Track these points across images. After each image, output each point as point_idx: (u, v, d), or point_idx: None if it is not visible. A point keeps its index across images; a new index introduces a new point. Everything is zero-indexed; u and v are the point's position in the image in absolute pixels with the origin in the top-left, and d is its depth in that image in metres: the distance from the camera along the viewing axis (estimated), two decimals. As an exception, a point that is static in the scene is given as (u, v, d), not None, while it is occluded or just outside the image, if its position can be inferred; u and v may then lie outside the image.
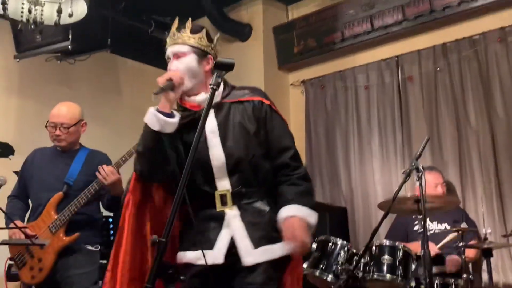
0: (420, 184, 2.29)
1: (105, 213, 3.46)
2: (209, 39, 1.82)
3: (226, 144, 1.73)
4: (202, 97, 1.77)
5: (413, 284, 2.50)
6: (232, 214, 1.69)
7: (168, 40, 1.82)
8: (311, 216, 1.71)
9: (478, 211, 3.41)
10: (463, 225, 2.84)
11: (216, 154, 1.72)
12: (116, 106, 4.92)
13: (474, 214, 3.44)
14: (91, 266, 2.72)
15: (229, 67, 1.52)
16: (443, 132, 3.76)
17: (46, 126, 2.80)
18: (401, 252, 2.59)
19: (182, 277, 1.70)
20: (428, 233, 2.46)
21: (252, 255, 1.65)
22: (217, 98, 1.74)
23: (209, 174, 1.72)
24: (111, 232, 3.55)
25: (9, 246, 2.71)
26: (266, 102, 1.79)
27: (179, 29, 1.80)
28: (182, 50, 1.76)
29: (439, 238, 2.96)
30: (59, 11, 2.65)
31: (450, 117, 3.74)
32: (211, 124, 1.74)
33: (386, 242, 2.69)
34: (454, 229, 2.77)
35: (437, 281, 2.60)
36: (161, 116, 1.67)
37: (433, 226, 3.13)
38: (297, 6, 4.80)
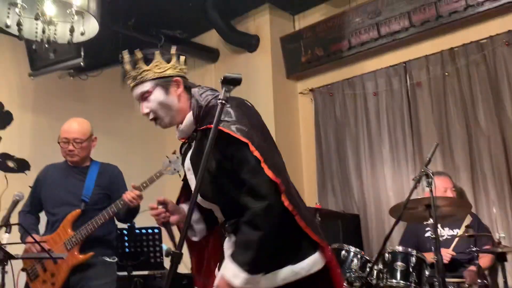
0: (430, 190, 2.30)
1: (120, 225, 3.52)
2: (166, 59, 1.65)
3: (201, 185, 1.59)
4: (177, 132, 1.68)
5: (427, 290, 2.50)
6: (229, 245, 1.61)
7: (128, 82, 1.66)
8: (236, 277, 1.44)
9: (491, 216, 3.39)
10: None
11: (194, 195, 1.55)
12: (127, 119, 5.00)
13: (487, 219, 3.42)
14: (110, 276, 2.77)
15: (236, 82, 1.47)
16: (453, 137, 3.75)
17: (58, 142, 2.86)
18: (414, 259, 2.59)
19: None
20: (440, 239, 2.46)
21: None
22: (192, 127, 1.63)
23: (200, 207, 1.70)
24: (126, 244, 3.59)
25: (23, 259, 2.76)
26: (226, 131, 1.50)
27: (133, 64, 1.64)
28: (145, 88, 1.62)
29: (451, 243, 2.95)
30: (72, 30, 2.72)
31: (460, 121, 3.73)
32: (187, 161, 1.65)
33: (399, 249, 2.69)
34: (466, 234, 2.76)
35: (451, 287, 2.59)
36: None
37: (445, 232, 3.11)
38: (304, 16, 4.85)
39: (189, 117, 1.64)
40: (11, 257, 2.36)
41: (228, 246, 1.61)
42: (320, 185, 4.46)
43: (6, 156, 4.06)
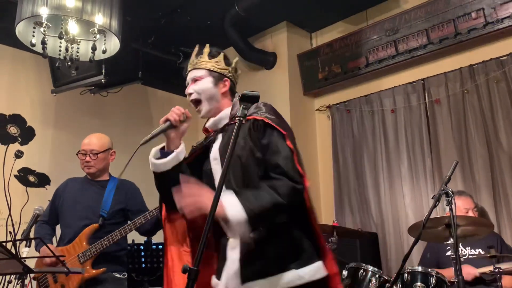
0: (451, 209, 2.26)
1: (136, 240, 3.54)
2: (227, 63, 1.85)
3: (228, 174, 1.62)
4: (209, 122, 1.83)
5: (447, 312, 2.44)
6: (233, 244, 1.62)
7: (188, 67, 1.87)
8: (234, 211, 1.46)
9: (515, 236, 3.30)
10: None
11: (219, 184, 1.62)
12: (145, 135, 5.05)
13: (510, 238, 3.33)
14: None
15: (254, 99, 1.54)
16: (473, 155, 3.69)
17: (77, 154, 2.93)
18: (434, 279, 2.54)
19: None
20: (462, 259, 2.40)
21: None
22: (225, 120, 1.78)
23: None
24: (142, 259, 3.60)
25: (35, 266, 2.79)
26: (259, 118, 1.66)
27: (197, 55, 1.85)
28: (199, 74, 1.80)
29: (473, 263, 2.88)
30: (94, 48, 2.80)
31: (480, 139, 3.67)
32: (214, 151, 1.75)
33: (419, 269, 2.64)
34: (488, 255, 2.69)
35: (473, 309, 2.52)
36: (151, 158, 1.76)
37: (466, 252, 3.04)
38: (321, 33, 4.88)
39: (225, 111, 1.80)
40: (31, 271, 2.39)
41: (233, 246, 1.61)
42: (337, 203, 4.42)
43: (27, 171, 4.14)
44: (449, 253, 2.91)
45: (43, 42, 2.69)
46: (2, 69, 4.21)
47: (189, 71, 1.84)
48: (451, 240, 2.40)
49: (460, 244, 2.94)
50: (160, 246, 3.61)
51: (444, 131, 3.89)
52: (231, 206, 1.48)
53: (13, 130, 4.15)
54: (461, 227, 2.61)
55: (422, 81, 4.06)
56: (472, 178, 3.66)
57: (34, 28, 2.74)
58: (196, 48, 1.87)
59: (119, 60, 3.40)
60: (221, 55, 1.85)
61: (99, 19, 2.78)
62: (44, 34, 2.70)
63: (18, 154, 4.11)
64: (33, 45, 2.80)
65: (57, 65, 3.08)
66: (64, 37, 2.77)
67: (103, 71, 3.70)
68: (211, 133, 1.86)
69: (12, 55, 4.23)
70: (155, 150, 1.79)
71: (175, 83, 5.24)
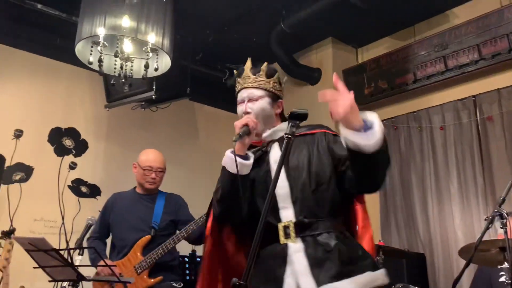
0: (505, 232, 2.17)
1: (182, 252, 3.61)
2: (280, 83, 1.86)
3: (289, 172, 1.69)
4: (267, 133, 1.81)
5: None
6: (295, 248, 1.60)
7: (240, 81, 1.84)
8: (372, 117, 1.51)
9: None
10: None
11: (280, 182, 1.65)
12: (192, 148, 5.18)
13: None
14: None
15: (302, 117, 1.54)
16: (530, 175, 3.52)
17: (138, 166, 3.03)
18: (487, 305, 2.42)
19: None
20: (517, 285, 2.29)
21: None
22: (281, 132, 1.72)
23: (273, 204, 1.66)
24: (187, 272, 3.67)
25: (93, 281, 2.90)
26: (331, 132, 1.77)
27: (253, 71, 1.83)
28: (258, 94, 1.79)
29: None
30: (147, 66, 2.92)
31: (537, 158, 3.51)
32: (276, 155, 1.75)
33: (470, 293, 2.53)
34: (547, 281, 2.54)
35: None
36: (239, 158, 1.66)
37: (522, 277, 2.89)
38: (367, 49, 4.84)
39: (284, 124, 1.79)
40: (83, 278, 2.49)
41: (297, 249, 1.59)
42: (383, 221, 4.33)
43: (80, 182, 4.33)
44: (502, 278, 2.78)
45: (100, 60, 2.84)
46: (59, 85, 4.46)
47: (244, 88, 1.82)
48: (506, 265, 2.29)
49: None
50: (204, 259, 3.66)
51: (498, 150, 3.73)
52: (370, 113, 1.52)
53: (68, 142, 4.36)
54: (516, 251, 2.49)
55: (473, 98, 3.93)
56: (528, 199, 3.49)
57: (92, 47, 2.90)
58: (249, 63, 1.85)
59: (169, 76, 3.51)
60: (277, 75, 1.85)
61: (152, 38, 2.91)
62: (100, 53, 2.84)
63: (72, 166, 4.31)
64: (91, 63, 2.96)
65: (112, 82, 3.23)
66: (119, 56, 2.91)
67: (154, 87, 3.84)
68: (260, 145, 1.84)
69: (69, 72, 4.47)
70: (229, 153, 1.71)
71: (221, 98, 5.36)
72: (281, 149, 1.70)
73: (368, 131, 1.49)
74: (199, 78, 4.67)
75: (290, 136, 1.51)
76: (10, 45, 4.19)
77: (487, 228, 2.25)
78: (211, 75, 4.74)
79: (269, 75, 1.83)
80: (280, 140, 1.75)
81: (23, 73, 4.26)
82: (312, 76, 4.82)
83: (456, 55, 3.92)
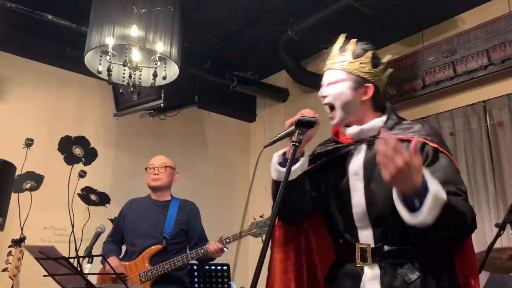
0: (517, 239, 2.14)
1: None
2: (374, 63, 1.56)
3: (370, 188, 1.46)
4: (353, 129, 1.56)
5: None
6: (371, 275, 1.41)
7: (327, 61, 1.63)
8: (433, 181, 1.20)
9: None
10: None
11: (358, 199, 1.47)
12: (201, 156, 5.20)
13: None
14: None
15: (310, 124, 1.48)
16: (541, 181, 3.47)
17: (146, 169, 3.07)
18: (499, 313, 2.38)
19: None
20: (530, 293, 2.25)
21: None
22: (373, 131, 1.53)
23: (350, 221, 1.48)
24: (195, 279, 3.65)
25: (97, 280, 2.90)
26: (431, 144, 1.42)
27: (341, 50, 1.59)
28: (336, 76, 1.56)
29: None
30: (155, 75, 2.94)
31: (549, 164, 3.46)
32: (356, 165, 1.51)
33: (482, 302, 2.49)
34: (561, 290, 2.50)
35: None
36: (276, 165, 1.53)
37: (536, 285, 2.84)
38: (375, 55, 4.83)
39: (377, 121, 1.55)
40: (92, 286, 2.49)
41: (373, 276, 1.40)
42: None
43: (90, 190, 4.36)
44: (516, 285, 2.74)
45: (109, 70, 2.87)
46: (69, 94, 4.51)
47: (328, 69, 1.61)
48: (518, 272, 2.26)
49: (528, 277, 2.75)
50: (213, 267, 3.66)
51: (508, 155, 3.69)
52: (432, 180, 1.22)
53: (77, 151, 4.40)
54: (529, 258, 2.45)
55: (483, 103, 3.90)
56: (540, 206, 3.44)
57: (101, 56, 2.94)
58: (340, 40, 1.61)
59: (177, 84, 3.53)
60: (368, 54, 1.55)
61: (160, 47, 2.93)
62: (109, 62, 2.87)
63: (82, 174, 4.34)
64: (100, 73, 2.99)
65: (120, 90, 3.26)
66: (128, 65, 2.94)
67: (162, 95, 3.87)
68: (349, 142, 1.59)
69: (79, 81, 4.52)
70: (277, 155, 1.56)
71: (229, 106, 5.38)
72: (366, 153, 1.49)
73: (417, 209, 1.22)
74: (207, 86, 4.70)
75: (297, 144, 1.43)
76: (20, 55, 4.26)
77: (498, 235, 2.22)
78: (219, 83, 4.76)
79: (356, 55, 1.56)
80: (371, 142, 1.51)
81: (33, 83, 4.31)
82: (320, 83, 4.80)
83: (465, 60, 3.90)
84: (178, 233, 2.90)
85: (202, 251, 2.75)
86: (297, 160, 1.53)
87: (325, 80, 1.61)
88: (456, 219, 1.27)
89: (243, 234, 2.76)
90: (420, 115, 4.32)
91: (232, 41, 4.51)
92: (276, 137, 1.46)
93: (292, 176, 1.47)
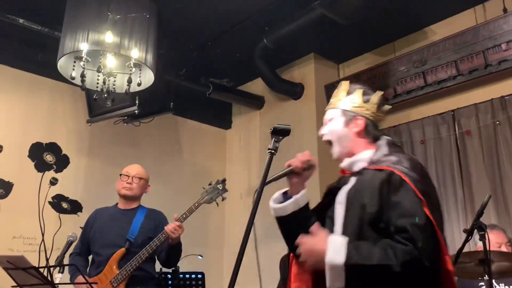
0: (484, 244, 2.21)
1: (164, 269, 3.56)
2: (365, 99, 1.68)
3: (347, 215, 1.53)
4: (344, 162, 1.66)
5: None
6: None
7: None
8: (333, 248, 1.37)
9: (553, 273, 3.16)
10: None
11: (337, 227, 1.56)
12: (177, 163, 5.16)
13: (549, 275, 3.20)
14: None
15: (285, 132, 1.57)
16: (507, 187, 3.60)
17: (120, 174, 3.03)
18: (468, 317, 2.45)
19: None
20: (497, 297, 2.32)
21: None
22: (363, 163, 1.61)
23: None
24: (170, 288, 3.62)
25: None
26: (397, 172, 1.46)
27: (339, 90, 1.76)
28: (332, 114, 1.71)
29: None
30: (129, 81, 2.92)
31: (513, 171, 3.59)
32: (342, 194, 1.60)
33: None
34: (525, 293, 2.59)
35: None
36: (271, 202, 1.65)
37: (501, 289, 2.93)
38: (348, 65, 4.93)
39: (365, 153, 1.63)
40: (64, 297, 2.45)
41: None
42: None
43: (61, 198, 4.26)
44: (483, 290, 2.82)
45: (82, 76, 2.83)
46: (41, 99, 4.41)
47: (326, 110, 1.77)
48: (486, 277, 2.33)
49: (494, 281, 2.84)
50: (187, 275, 3.63)
51: (476, 163, 3.82)
52: (334, 246, 1.38)
53: (49, 158, 4.30)
54: (495, 263, 2.53)
55: (452, 112, 4.02)
56: (506, 212, 3.56)
57: (75, 62, 2.90)
58: (341, 87, 1.76)
59: (152, 91, 3.51)
60: (358, 91, 1.70)
61: (135, 53, 2.91)
62: (83, 68, 2.84)
63: (53, 181, 4.24)
64: (73, 78, 2.94)
65: (94, 97, 3.22)
66: (102, 71, 2.91)
67: (137, 102, 3.84)
68: (346, 175, 1.70)
69: (50, 87, 4.44)
70: (278, 193, 1.67)
71: (204, 113, 5.38)
72: (357, 186, 1.56)
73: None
74: (182, 93, 4.68)
75: (273, 152, 1.53)
76: (-10, 60, 4.16)
77: (466, 240, 2.28)
78: (195, 90, 4.75)
79: (349, 92, 1.71)
80: (359, 174, 1.60)
81: (4, 88, 4.21)
82: (294, 91, 4.87)
83: (435, 70, 4.02)
84: (144, 241, 2.86)
85: (164, 235, 2.74)
86: (290, 197, 1.64)
87: (325, 119, 1.76)
88: (373, 267, 1.33)
89: (196, 204, 2.80)
90: (392, 123, 4.42)
91: (208, 48, 4.52)
92: (274, 177, 1.56)
93: (283, 212, 1.61)
